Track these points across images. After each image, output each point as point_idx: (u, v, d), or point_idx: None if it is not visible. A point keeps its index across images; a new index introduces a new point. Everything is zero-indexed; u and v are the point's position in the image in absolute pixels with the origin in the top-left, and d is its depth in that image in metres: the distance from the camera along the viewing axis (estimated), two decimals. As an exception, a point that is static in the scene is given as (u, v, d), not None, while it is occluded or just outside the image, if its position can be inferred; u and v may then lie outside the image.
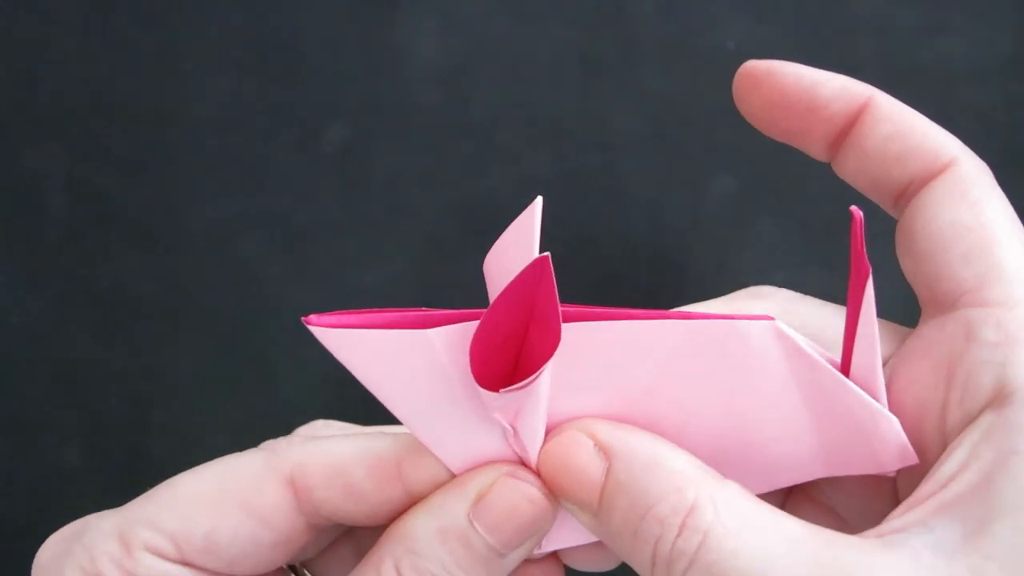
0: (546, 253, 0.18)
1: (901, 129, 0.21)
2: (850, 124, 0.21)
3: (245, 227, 0.35)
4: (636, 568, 0.18)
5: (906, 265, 0.20)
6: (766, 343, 0.18)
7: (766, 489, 0.19)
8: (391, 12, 0.35)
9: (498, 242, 0.21)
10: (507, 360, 0.18)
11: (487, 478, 0.18)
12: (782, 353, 0.19)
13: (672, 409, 0.19)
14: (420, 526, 0.18)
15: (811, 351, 0.19)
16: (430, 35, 0.35)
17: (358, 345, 0.18)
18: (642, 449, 0.18)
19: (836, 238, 0.35)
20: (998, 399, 0.17)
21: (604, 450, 0.18)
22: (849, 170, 0.22)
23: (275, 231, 0.35)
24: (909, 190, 0.21)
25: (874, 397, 0.19)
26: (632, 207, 0.35)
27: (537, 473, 0.19)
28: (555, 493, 0.18)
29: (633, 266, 0.35)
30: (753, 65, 0.22)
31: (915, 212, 0.20)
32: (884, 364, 0.20)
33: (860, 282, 0.18)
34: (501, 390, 0.17)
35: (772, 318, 0.18)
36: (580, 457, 0.18)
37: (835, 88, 0.22)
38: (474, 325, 0.17)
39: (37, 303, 0.36)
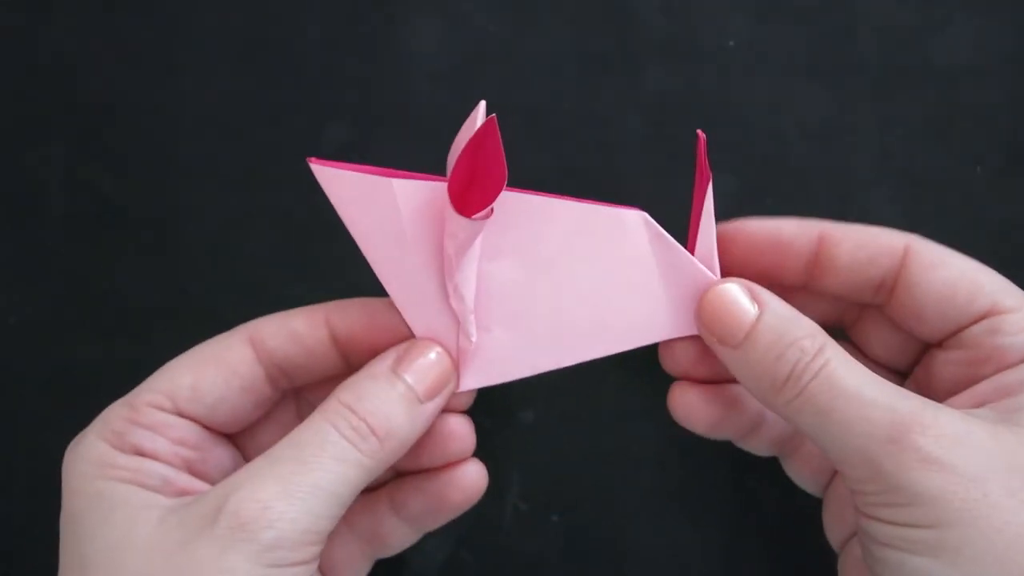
0: (492, 115, 0.23)
1: (869, 252, 0.27)
2: (814, 254, 0.27)
3: (244, 226, 0.35)
4: (759, 386, 0.24)
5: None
6: (638, 228, 0.26)
7: (634, 345, 0.27)
8: (391, 12, 0.35)
9: (454, 142, 0.26)
10: (469, 199, 0.23)
11: (405, 345, 0.25)
12: (648, 237, 0.26)
13: (566, 276, 0.25)
14: (354, 376, 0.24)
15: (668, 237, 0.26)
16: (430, 34, 0.35)
17: (340, 184, 0.24)
18: (784, 305, 0.25)
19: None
20: (1019, 360, 0.24)
21: (758, 300, 0.25)
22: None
23: (275, 231, 0.35)
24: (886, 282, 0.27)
25: (712, 271, 0.26)
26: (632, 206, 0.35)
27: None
28: (711, 329, 0.25)
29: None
30: (723, 228, 0.27)
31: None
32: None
33: (703, 186, 0.25)
34: (472, 216, 0.23)
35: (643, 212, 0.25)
36: (740, 301, 0.25)
37: (793, 228, 0.28)
38: (432, 185, 0.24)
39: (36, 303, 0.36)
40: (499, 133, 0.22)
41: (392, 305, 0.26)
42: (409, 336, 0.26)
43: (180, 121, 0.35)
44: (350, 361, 0.27)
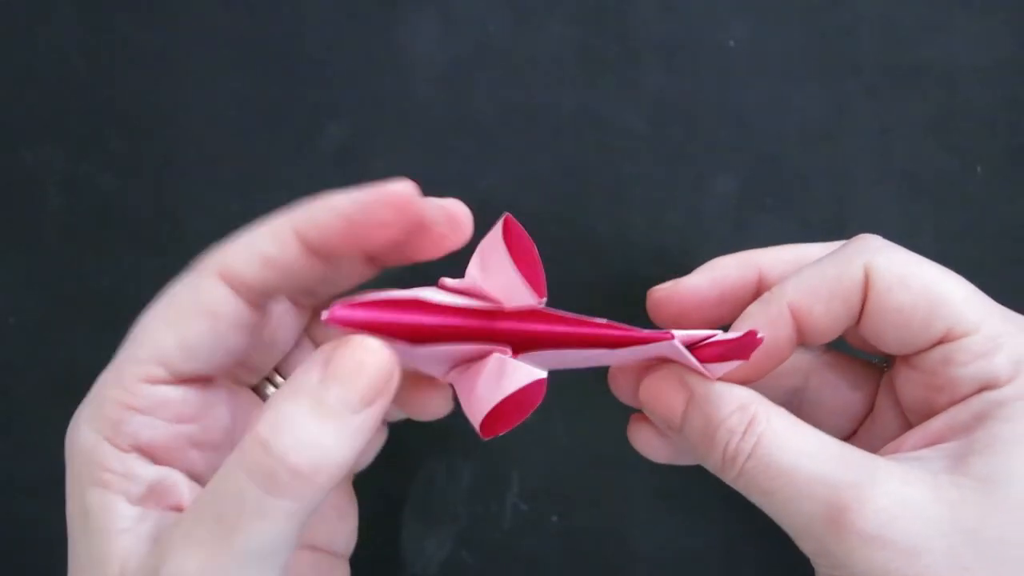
0: (543, 378, 0.22)
1: (830, 303, 0.25)
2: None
3: (244, 226, 0.35)
4: (708, 465, 0.24)
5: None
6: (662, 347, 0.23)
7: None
8: (391, 11, 0.35)
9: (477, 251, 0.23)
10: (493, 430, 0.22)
11: (334, 343, 0.21)
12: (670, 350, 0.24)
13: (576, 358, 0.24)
14: (272, 406, 0.20)
15: (688, 357, 0.23)
16: (430, 34, 0.35)
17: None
18: (707, 384, 0.24)
19: (835, 237, 0.35)
20: (971, 392, 0.23)
21: (684, 387, 0.24)
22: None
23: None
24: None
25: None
26: (632, 206, 0.35)
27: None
28: (654, 418, 0.25)
29: (633, 266, 0.35)
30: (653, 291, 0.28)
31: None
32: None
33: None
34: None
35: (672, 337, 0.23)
36: (669, 391, 0.24)
37: (732, 279, 0.28)
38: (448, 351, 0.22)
39: (36, 303, 0.36)
40: (542, 393, 0.22)
41: (357, 196, 0.23)
42: (387, 233, 0.23)
43: (180, 121, 0.35)
44: (336, 263, 0.24)
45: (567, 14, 0.35)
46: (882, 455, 0.23)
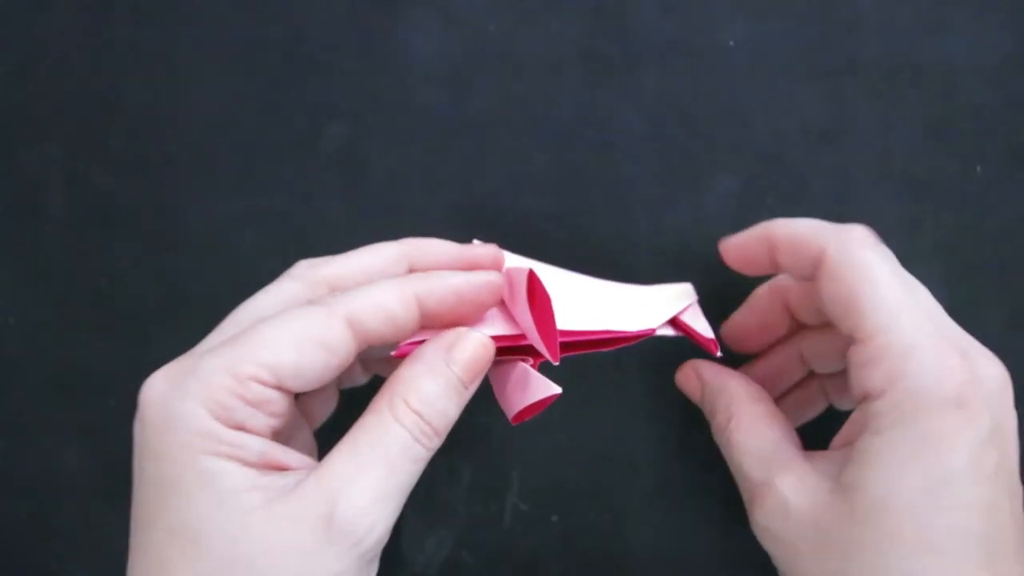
0: (559, 393, 0.26)
1: (798, 255, 0.29)
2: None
3: (244, 226, 0.35)
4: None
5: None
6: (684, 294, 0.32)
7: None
8: (391, 11, 0.35)
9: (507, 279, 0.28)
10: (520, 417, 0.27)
11: (456, 334, 0.26)
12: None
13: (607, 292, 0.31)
14: (412, 370, 0.26)
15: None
16: (430, 34, 0.35)
17: None
18: (716, 377, 0.31)
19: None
20: (860, 396, 0.26)
21: (701, 378, 0.31)
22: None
23: (275, 230, 0.35)
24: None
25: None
26: (632, 206, 0.35)
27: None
28: (688, 392, 0.32)
29: (633, 266, 0.35)
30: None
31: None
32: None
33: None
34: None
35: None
36: (691, 382, 0.32)
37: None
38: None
39: (35, 303, 0.36)
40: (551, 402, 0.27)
41: (470, 279, 0.27)
42: (489, 304, 0.28)
43: (180, 121, 0.35)
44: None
45: (567, 14, 0.35)
46: (834, 445, 0.28)
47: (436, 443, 0.26)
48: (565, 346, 0.27)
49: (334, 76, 0.35)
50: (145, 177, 0.35)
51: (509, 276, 0.27)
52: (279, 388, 0.25)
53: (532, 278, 0.26)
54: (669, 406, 0.35)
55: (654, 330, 0.29)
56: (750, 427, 0.28)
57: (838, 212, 0.35)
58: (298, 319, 0.25)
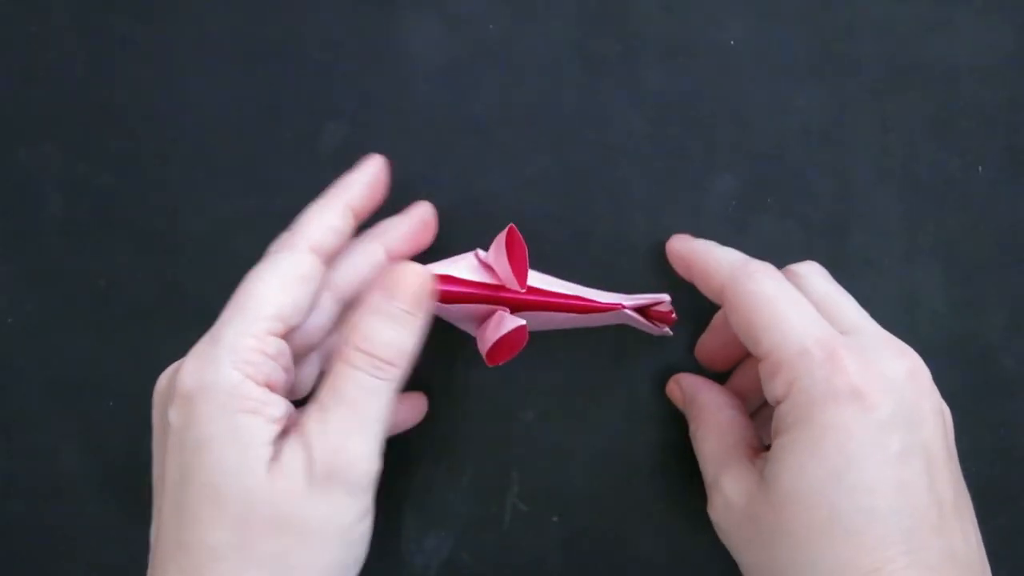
0: (524, 324, 0.30)
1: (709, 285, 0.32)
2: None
3: (244, 226, 0.35)
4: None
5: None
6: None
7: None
8: (391, 11, 0.35)
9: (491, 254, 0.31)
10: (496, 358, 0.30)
11: (391, 269, 0.29)
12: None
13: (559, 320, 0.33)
14: (358, 314, 0.28)
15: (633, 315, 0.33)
16: (430, 34, 0.35)
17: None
18: (691, 386, 0.34)
19: (836, 237, 0.35)
20: (774, 403, 0.29)
21: (682, 388, 0.34)
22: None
23: (274, 230, 0.35)
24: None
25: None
26: (632, 207, 0.35)
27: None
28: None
29: (633, 266, 0.35)
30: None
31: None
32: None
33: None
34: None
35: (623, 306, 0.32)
36: (675, 390, 0.34)
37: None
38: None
39: (34, 303, 0.36)
40: (525, 337, 0.30)
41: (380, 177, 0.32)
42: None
43: (179, 121, 0.35)
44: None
45: (567, 14, 0.35)
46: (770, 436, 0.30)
47: (394, 372, 0.28)
48: (542, 304, 0.31)
49: (334, 76, 0.35)
50: (145, 177, 0.35)
51: (496, 242, 0.30)
52: (288, 333, 0.29)
53: (511, 230, 0.29)
54: (669, 407, 0.35)
55: (623, 304, 0.32)
56: (708, 433, 0.32)
57: (838, 212, 0.35)
58: (275, 267, 0.29)
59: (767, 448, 0.29)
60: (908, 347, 0.28)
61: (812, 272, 0.31)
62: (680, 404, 0.34)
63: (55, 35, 0.36)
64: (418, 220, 0.33)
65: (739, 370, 0.34)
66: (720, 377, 0.34)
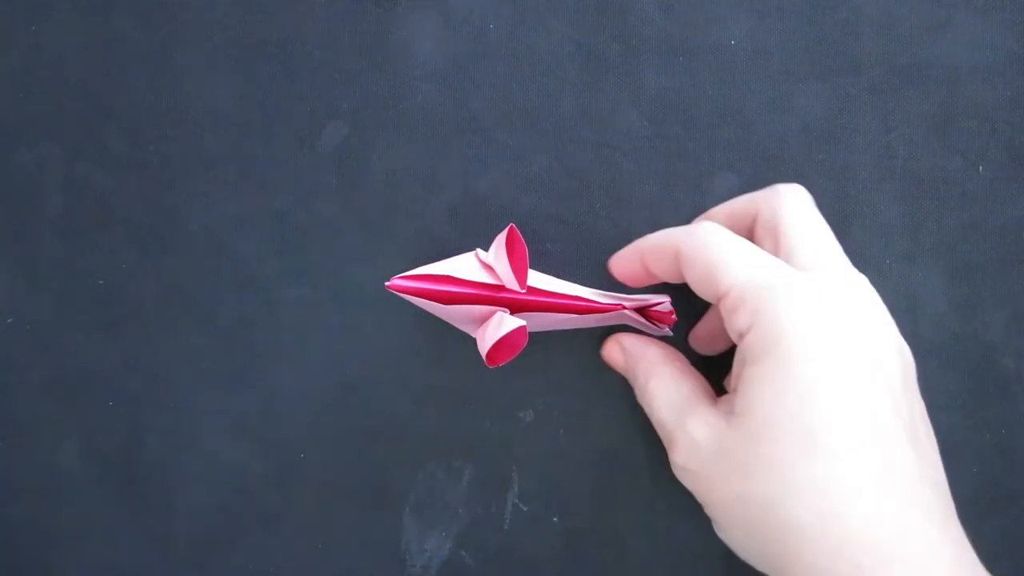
0: (524, 325, 0.30)
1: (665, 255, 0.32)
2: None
3: (243, 226, 0.35)
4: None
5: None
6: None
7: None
8: (390, 10, 0.35)
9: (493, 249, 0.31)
10: (496, 359, 0.30)
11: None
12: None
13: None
14: None
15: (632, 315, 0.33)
16: (430, 34, 0.35)
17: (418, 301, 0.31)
18: (634, 345, 0.34)
19: (836, 237, 0.35)
20: (737, 339, 0.29)
21: (621, 345, 0.34)
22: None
23: (273, 230, 0.35)
24: None
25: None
26: (632, 207, 0.35)
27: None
28: (612, 363, 0.35)
29: (633, 266, 0.35)
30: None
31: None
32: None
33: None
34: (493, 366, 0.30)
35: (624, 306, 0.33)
36: (614, 351, 0.34)
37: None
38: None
39: (34, 303, 0.36)
40: (525, 338, 0.30)
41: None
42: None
43: (179, 121, 0.35)
44: None
45: (567, 14, 0.35)
46: (729, 385, 0.32)
47: None
48: (542, 305, 0.32)
49: (334, 76, 0.35)
50: (145, 177, 0.35)
51: (496, 242, 0.31)
52: None
53: (511, 231, 0.29)
54: (669, 406, 0.35)
55: (623, 304, 0.32)
56: (664, 382, 0.32)
57: (839, 212, 0.35)
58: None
59: (722, 394, 0.31)
60: (867, 283, 0.29)
61: (789, 198, 0.31)
62: (620, 365, 0.34)
63: (55, 35, 0.36)
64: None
65: (701, 322, 0.35)
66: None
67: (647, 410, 0.32)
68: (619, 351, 0.34)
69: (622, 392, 0.35)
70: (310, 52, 0.35)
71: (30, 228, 0.36)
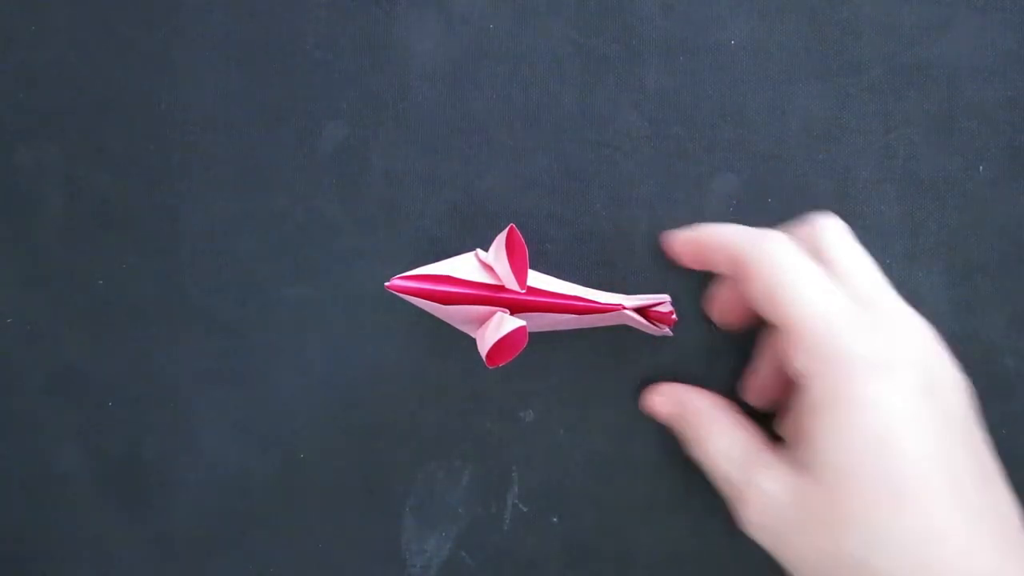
0: (524, 325, 0.29)
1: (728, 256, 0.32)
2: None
3: (244, 226, 0.35)
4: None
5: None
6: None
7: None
8: (390, 10, 0.35)
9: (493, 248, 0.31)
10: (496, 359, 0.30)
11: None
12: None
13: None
14: None
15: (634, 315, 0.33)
16: (429, 33, 0.35)
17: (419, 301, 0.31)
18: (684, 396, 0.33)
19: (837, 238, 0.35)
20: (795, 379, 0.29)
21: (673, 402, 0.34)
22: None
23: (274, 230, 0.35)
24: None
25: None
26: (632, 207, 0.35)
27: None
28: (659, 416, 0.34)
29: (633, 266, 0.35)
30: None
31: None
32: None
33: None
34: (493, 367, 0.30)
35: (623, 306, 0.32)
36: (656, 401, 0.34)
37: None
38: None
39: (34, 303, 0.36)
40: (525, 338, 0.29)
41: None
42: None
43: (179, 121, 0.35)
44: None
45: (567, 14, 0.35)
46: (787, 432, 0.32)
47: None
48: (542, 306, 0.32)
49: (333, 76, 0.35)
50: (143, 176, 0.35)
51: (496, 242, 0.31)
52: None
53: (511, 231, 0.29)
54: (669, 406, 0.35)
55: (623, 305, 0.32)
56: (723, 435, 0.31)
57: (839, 212, 0.35)
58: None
59: (777, 438, 0.30)
60: (923, 320, 0.29)
61: (832, 230, 0.31)
62: (663, 416, 0.34)
63: (55, 35, 0.36)
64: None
65: (755, 374, 0.34)
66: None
67: (704, 463, 0.31)
68: (662, 401, 0.34)
69: (622, 392, 0.35)
70: (310, 52, 0.35)
71: (30, 228, 0.36)
